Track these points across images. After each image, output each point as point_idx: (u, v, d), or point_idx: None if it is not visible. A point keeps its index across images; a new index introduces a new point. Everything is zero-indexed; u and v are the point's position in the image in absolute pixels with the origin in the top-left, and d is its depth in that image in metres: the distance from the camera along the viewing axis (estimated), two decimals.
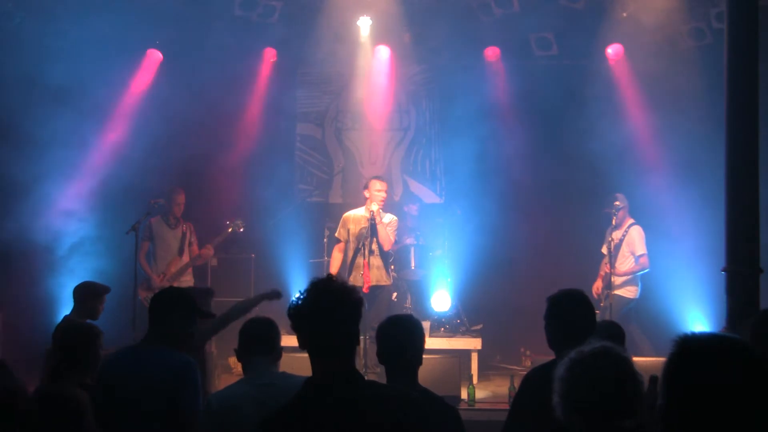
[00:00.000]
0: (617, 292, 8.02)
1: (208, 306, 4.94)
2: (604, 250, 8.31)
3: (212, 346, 6.62)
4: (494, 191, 9.18)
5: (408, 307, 8.56)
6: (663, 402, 1.80)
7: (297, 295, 2.37)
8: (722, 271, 4.96)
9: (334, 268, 7.88)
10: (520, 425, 3.38)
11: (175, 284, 7.62)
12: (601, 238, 8.45)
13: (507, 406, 6.44)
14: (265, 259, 9.15)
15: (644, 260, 8.11)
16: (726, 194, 5.00)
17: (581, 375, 2.23)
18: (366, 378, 2.48)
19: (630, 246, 8.16)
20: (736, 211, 4.94)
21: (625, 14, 8.67)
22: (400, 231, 8.30)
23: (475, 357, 8.10)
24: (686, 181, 8.41)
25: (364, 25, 9.29)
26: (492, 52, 9.53)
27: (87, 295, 5.63)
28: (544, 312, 3.47)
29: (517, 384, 6.58)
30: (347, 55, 9.48)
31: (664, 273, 8.29)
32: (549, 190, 9.29)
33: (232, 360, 8.22)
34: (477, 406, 6.96)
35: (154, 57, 9.29)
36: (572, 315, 3.39)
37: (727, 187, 5.00)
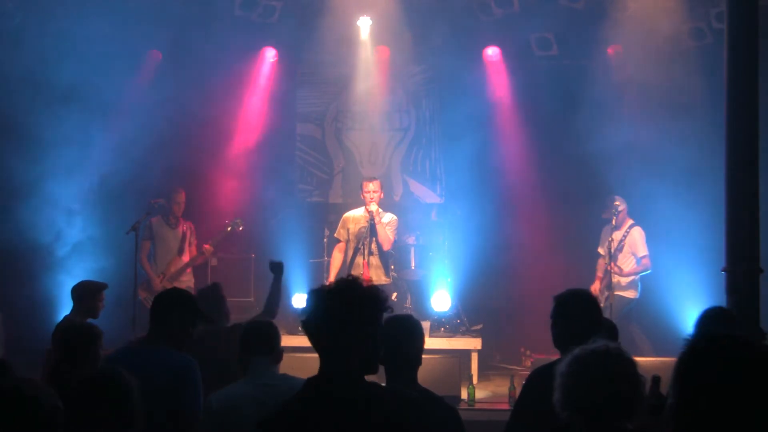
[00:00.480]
0: (618, 292, 8.02)
1: (221, 311, 4.91)
2: (602, 250, 8.31)
3: None
4: (494, 191, 9.19)
5: (408, 307, 8.56)
6: (674, 401, 1.79)
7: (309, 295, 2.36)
8: (722, 271, 4.97)
9: (334, 268, 7.89)
10: (522, 425, 3.37)
11: (175, 284, 7.62)
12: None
13: (507, 406, 6.51)
14: (265, 259, 9.05)
15: (646, 261, 8.12)
16: (726, 194, 5.01)
17: (582, 374, 2.23)
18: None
19: (632, 247, 8.16)
20: (736, 211, 4.95)
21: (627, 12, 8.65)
22: (400, 230, 8.29)
23: (475, 357, 8.09)
24: (686, 181, 8.39)
25: (364, 25, 9.28)
26: (492, 52, 9.54)
27: (84, 293, 5.60)
28: (551, 311, 3.46)
29: (517, 384, 6.62)
30: (347, 55, 9.47)
31: (664, 273, 8.29)
32: (549, 190, 9.27)
33: None
34: (477, 406, 6.94)
35: (154, 57, 9.29)
36: (579, 315, 3.39)
37: (727, 187, 5.00)
